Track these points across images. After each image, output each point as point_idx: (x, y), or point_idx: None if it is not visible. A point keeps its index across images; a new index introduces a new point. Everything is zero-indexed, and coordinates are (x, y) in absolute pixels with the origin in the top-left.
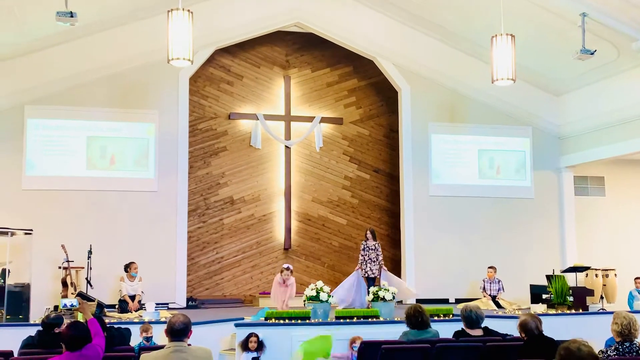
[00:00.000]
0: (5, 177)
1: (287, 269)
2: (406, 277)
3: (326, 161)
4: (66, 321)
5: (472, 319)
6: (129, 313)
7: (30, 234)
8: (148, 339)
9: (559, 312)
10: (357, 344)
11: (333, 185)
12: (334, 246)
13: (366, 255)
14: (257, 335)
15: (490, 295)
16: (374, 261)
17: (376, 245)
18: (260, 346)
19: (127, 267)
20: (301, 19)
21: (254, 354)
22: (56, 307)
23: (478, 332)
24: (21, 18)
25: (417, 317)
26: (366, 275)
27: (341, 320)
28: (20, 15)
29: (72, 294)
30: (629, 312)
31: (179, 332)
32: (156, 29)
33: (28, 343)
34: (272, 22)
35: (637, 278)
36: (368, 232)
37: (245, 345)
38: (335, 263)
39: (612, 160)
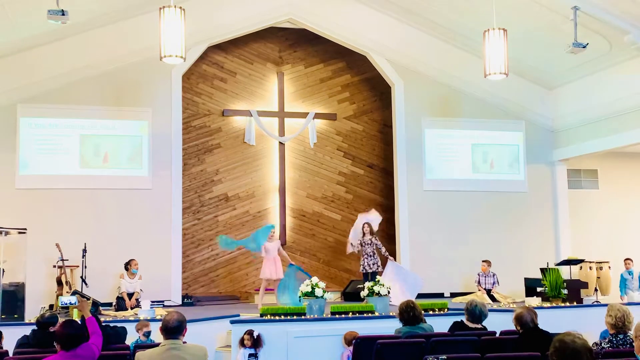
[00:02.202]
0: None
1: (272, 226)
2: None
3: (320, 157)
4: (61, 320)
5: (475, 314)
6: (125, 311)
7: (24, 233)
8: (148, 333)
9: (554, 305)
10: (346, 344)
11: (327, 181)
12: (329, 242)
13: (362, 250)
14: (250, 333)
15: (485, 289)
16: (370, 256)
17: (372, 239)
18: (258, 342)
19: (127, 265)
20: (294, 15)
21: (251, 350)
22: (51, 306)
23: (477, 326)
24: (12, 16)
25: (409, 313)
26: (364, 270)
27: (336, 316)
28: (11, 13)
29: (67, 292)
30: (623, 304)
31: (173, 329)
32: (148, 27)
33: (23, 342)
34: (264, 18)
35: (626, 259)
36: (365, 226)
37: (242, 342)
38: (331, 259)
39: (605, 153)
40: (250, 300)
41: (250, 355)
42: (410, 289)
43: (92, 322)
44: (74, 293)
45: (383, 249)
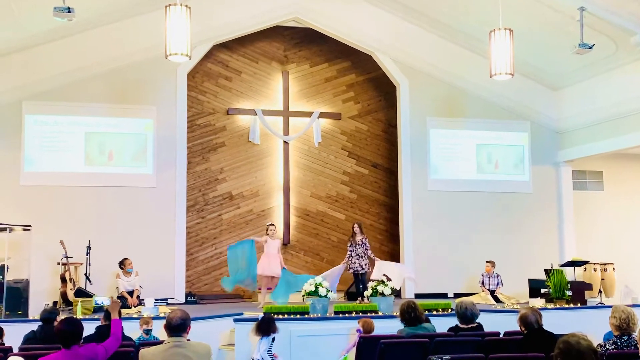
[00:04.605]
0: (3, 174)
1: (272, 225)
2: None
3: (325, 156)
4: (62, 316)
5: (467, 316)
6: (129, 309)
7: (28, 230)
8: (148, 331)
9: (558, 306)
10: (360, 325)
11: (332, 181)
12: (333, 241)
13: (353, 250)
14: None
15: (489, 289)
16: (361, 257)
17: (363, 240)
18: (269, 327)
19: (121, 264)
20: (299, 14)
21: (273, 335)
22: (55, 303)
23: (472, 325)
24: (18, 13)
25: (410, 313)
26: (354, 271)
27: (340, 315)
28: (17, 10)
29: (70, 289)
30: (628, 305)
31: (176, 327)
32: (154, 25)
33: (29, 337)
34: (270, 17)
35: None
36: (355, 226)
37: (262, 329)
38: (334, 258)
39: (610, 155)
40: (253, 298)
41: (272, 339)
42: (403, 272)
43: (116, 324)
44: (77, 292)
45: (370, 251)
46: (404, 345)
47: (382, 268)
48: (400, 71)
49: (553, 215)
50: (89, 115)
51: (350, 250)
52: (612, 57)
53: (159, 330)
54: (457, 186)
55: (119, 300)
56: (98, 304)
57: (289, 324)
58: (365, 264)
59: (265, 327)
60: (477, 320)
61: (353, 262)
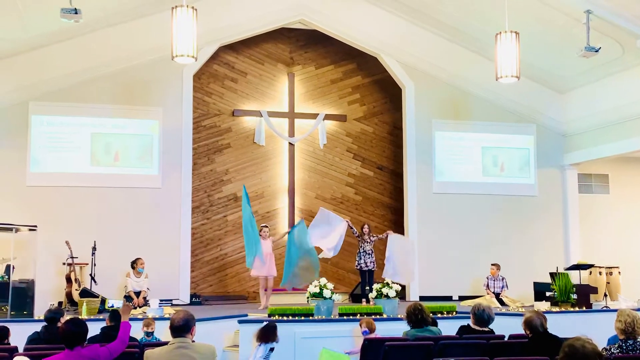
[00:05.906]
0: (9, 174)
1: (266, 226)
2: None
3: (330, 158)
4: (68, 316)
5: (483, 318)
6: (133, 309)
7: (34, 230)
8: (149, 334)
9: (563, 309)
10: (364, 327)
11: (337, 183)
12: None
13: (361, 247)
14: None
15: (493, 292)
16: (369, 254)
17: (371, 238)
18: (271, 334)
19: (134, 263)
20: (305, 16)
21: (272, 345)
22: (60, 303)
23: (485, 329)
24: (25, 14)
25: (416, 315)
26: (360, 268)
27: (344, 317)
28: (24, 11)
29: (76, 290)
30: (633, 309)
31: (179, 328)
32: (160, 26)
33: (33, 338)
34: (275, 18)
35: None
36: (365, 226)
37: (261, 336)
38: (339, 260)
39: (616, 158)
40: (257, 300)
41: (270, 349)
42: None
43: (125, 327)
44: (83, 291)
45: (381, 235)
46: (408, 347)
47: (394, 241)
48: (406, 73)
49: (558, 218)
50: (95, 116)
51: (359, 246)
52: (618, 60)
53: (163, 331)
54: (462, 189)
55: (131, 305)
56: (110, 306)
57: (293, 326)
58: (372, 262)
59: (265, 334)
60: (490, 326)
61: (360, 257)
